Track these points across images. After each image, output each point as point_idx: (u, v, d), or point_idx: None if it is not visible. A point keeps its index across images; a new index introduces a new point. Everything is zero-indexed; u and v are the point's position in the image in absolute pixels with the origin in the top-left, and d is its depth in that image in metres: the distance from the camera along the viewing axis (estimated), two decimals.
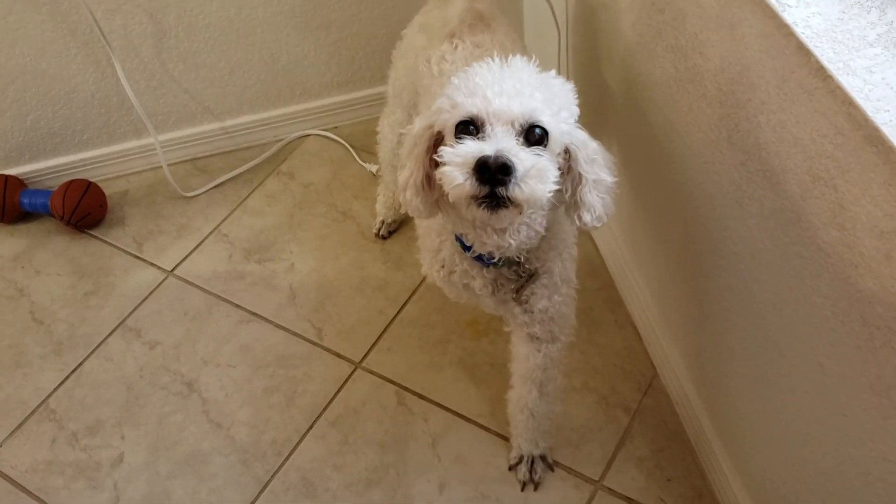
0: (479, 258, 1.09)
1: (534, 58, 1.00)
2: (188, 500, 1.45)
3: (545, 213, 1.05)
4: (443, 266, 1.17)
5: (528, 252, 1.09)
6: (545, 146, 0.93)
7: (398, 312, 1.69)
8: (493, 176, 0.88)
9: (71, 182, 1.88)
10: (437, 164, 0.94)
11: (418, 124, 1.01)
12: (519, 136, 0.92)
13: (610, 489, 1.40)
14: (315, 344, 1.65)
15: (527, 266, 1.11)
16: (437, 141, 1.00)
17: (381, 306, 1.70)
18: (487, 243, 1.04)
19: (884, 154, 0.73)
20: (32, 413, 1.59)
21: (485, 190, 0.89)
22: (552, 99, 0.95)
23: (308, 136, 2.09)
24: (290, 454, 1.49)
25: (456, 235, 1.10)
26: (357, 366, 1.61)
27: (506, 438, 1.46)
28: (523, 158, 0.89)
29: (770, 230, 0.98)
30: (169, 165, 1.93)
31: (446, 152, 0.91)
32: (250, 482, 1.46)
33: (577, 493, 1.40)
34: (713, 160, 1.09)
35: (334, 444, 1.50)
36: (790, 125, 0.88)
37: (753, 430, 1.19)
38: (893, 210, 0.74)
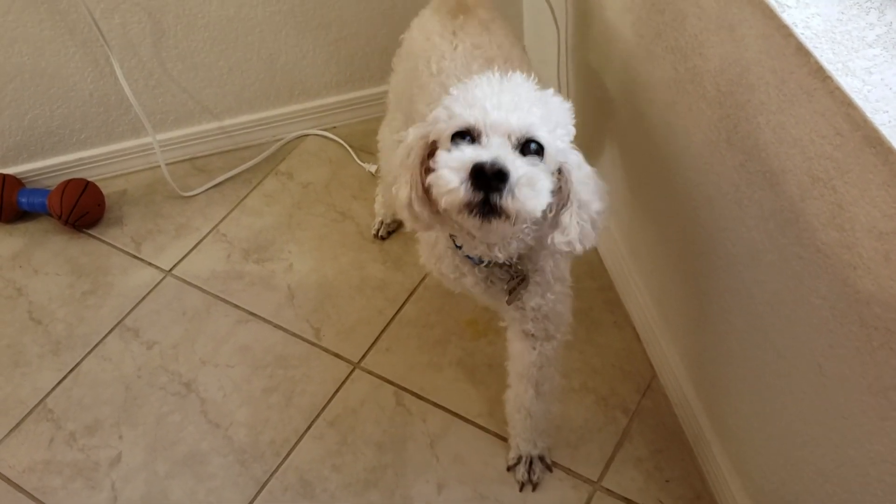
0: (470, 257, 1.10)
1: (532, 75, 1.01)
2: (186, 501, 1.45)
3: (537, 227, 1.05)
4: (438, 259, 1.17)
5: (519, 255, 1.09)
6: (541, 160, 0.94)
7: (397, 313, 1.69)
8: (488, 182, 0.88)
9: (69, 181, 1.88)
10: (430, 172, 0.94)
11: (412, 134, 1.01)
12: (515, 149, 0.92)
13: (608, 490, 1.40)
14: (314, 344, 1.65)
15: (518, 268, 1.11)
16: (431, 152, 0.99)
17: (380, 306, 1.70)
18: (477, 249, 1.05)
19: (883, 155, 0.73)
20: (30, 413, 1.59)
21: (479, 196, 0.88)
22: (549, 116, 0.95)
23: (307, 135, 2.09)
24: (288, 454, 1.49)
25: (449, 233, 1.10)
26: (356, 366, 1.61)
27: (504, 439, 1.45)
28: (519, 167, 0.89)
29: (769, 231, 0.98)
30: (167, 165, 1.93)
31: (442, 156, 0.91)
32: (248, 482, 1.46)
33: (576, 494, 1.40)
34: (712, 161, 1.09)
35: (333, 445, 1.49)
36: (789, 126, 0.88)
37: (752, 431, 1.19)
38: (892, 211, 0.74)
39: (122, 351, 1.67)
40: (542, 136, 0.93)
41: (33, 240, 1.91)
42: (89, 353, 1.68)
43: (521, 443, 1.39)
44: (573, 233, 0.99)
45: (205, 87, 1.96)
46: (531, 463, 1.40)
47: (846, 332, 0.86)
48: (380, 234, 1.81)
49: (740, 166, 1.01)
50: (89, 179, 1.92)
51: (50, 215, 1.91)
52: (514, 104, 0.92)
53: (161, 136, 1.97)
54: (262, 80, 1.99)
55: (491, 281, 1.14)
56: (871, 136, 0.74)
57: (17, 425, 1.57)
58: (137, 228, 1.91)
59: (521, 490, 1.40)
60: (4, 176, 1.91)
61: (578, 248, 1.00)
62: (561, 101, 1.00)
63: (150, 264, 1.83)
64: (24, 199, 1.90)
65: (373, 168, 1.95)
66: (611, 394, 1.52)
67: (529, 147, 0.93)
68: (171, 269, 1.82)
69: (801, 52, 0.82)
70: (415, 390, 1.56)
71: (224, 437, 1.52)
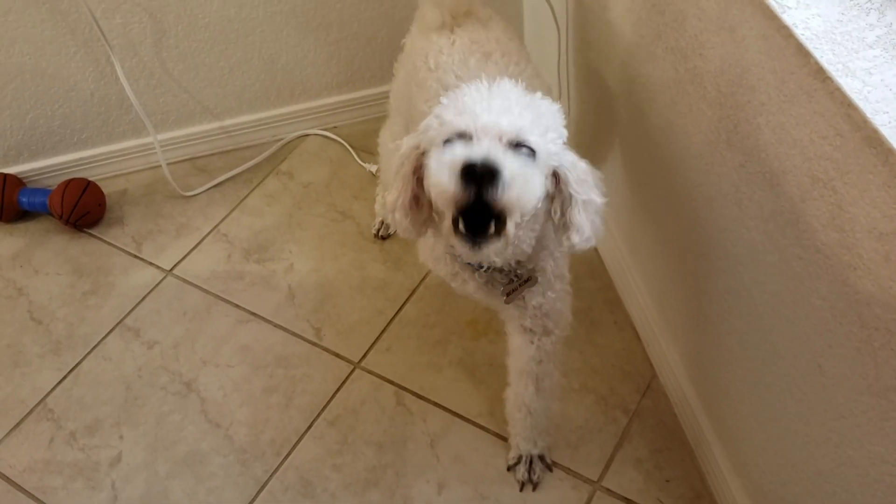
0: (470, 263, 1.10)
1: (521, 81, 1.01)
2: (186, 500, 1.45)
3: (534, 234, 1.05)
4: (437, 261, 1.18)
5: (518, 260, 1.10)
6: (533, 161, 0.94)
7: (397, 313, 1.69)
8: (479, 179, 0.88)
9: (70, 181, 1.88)
10: (423, 183, 0.95)
11: (406, 144, 1.02)
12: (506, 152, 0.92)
13: (608, 490, 1.40)
14: (314, 344, 1.65)
15: (518, 272, 1.11)
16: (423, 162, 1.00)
17: (381, 306, 1.70)
18: (475, 258, 1.05)
19: (883, 155, 0.73)
20: (30, 412, 1.59)
21: (471, 191, 0.88)
22: (539, 120, 0.95)
23: (307, 135, 2.09)
24: (288, 454, 1.49)
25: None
26: (356, 366, 1.61)
27: (504, 439, 1.46)
28: (511, 163, 0.89)
29: (769, 231, 0.98)
30: (168, 165, 1.93)
31: (434, 155, 0.91)
32: (249, 482, 1.46)
33: (576, 494, 1.40)
34: (712, 161, 1.09)
35: (333, 445, 1.49)
36: (789, 127, 0.88)
37: (752, 431, 1.19)
38: (892, 212, 0.74)
39: (123, 351, 1.68)
40: (533, 139, 0.93)
41: (34, 239, 1.91)
42: (90, 352, 1.68)
43: (522, 442, 1.39)
44: (587, 230, 1.00)
45: (205, 86, 1.96)
46: (531, 462, 1.40)
47: (846, 332, 0.86)
48: (380, 234, 1.81)
49: (740, 167, 1.01)
50: (90, 179, 1.93)
51: (51, 215, 1.91)
52: (505, 108, 0.93)
53: (162, 136, 1.97)
54: (262, 80, 1.99)
55: (492, 285, 1.14)
56: (871, 137, 0.74)
57: (18, 425, 1.58)
58: (138, 228, 1.91)
59: (521, 490, 1.40)
60: (5, 175, 1.91)
61: (593, 242, 1.02)
62: (550, 104, 1.00)
63: (150, 264, 1.83)
64: (24, 199, 1.90)
65: (373, 168, 1.95)
66: (611, 394, 1.52)
67: (520, 150, 0.93)
68: (171, 269, 1.82)
69: (802, 52, 0.82)
70: (415, 390, 1.56)
71: (224, 436, 1.52)
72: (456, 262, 1.13)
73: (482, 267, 1.10)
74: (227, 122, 2.04)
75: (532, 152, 0.93)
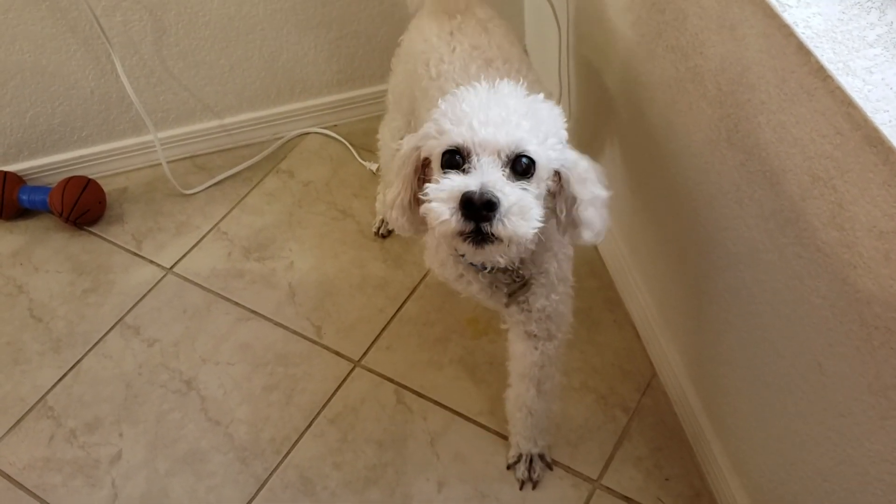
0: (473, 263, 1.10)
1: (523, 73, 1.00)
2: (186, 498, 1.45)
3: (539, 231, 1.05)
4: (442, 264, 1.18)
5: (521, 259, 1.10)
6: (532, 175, 0.94)
7: (397, 311, 1.69)
8: (477, 212, 0.88)
9: (70, 179, 1.88)
10: (424, 183, 0.95)
11: (406, 145, 1.02)
12: (505, 166, 0.92)
13: (608, 488, 1.40)
14: (314, 342, 1.65)
15: (521, 272, 1.11)
16: (426, 161, 1.00)
17: (381, 305, 1.70)
18: (478, 258, 1.05)
19: (883, 154, 0.73)
20: (30, 410, 1.59)
21: (470, 226, 0.89)
22: (539, 126, 0.95)
23: (308, 133, 2.09)
24: (288, 452, 1.49)
25: None
26: (356, 364, 1.61)
27: (505, 437, 1.46)
28: (508, 193, 0.89)
29: (769, 230, 0.98)
30: (168, 163, 1.93)
31: (431, 188, 0.91)
32: (249, 480, 1.46)
33: (576, 492, 1.40)
34: (713, 160, 1.09)
35: (333, 443, 1.50)
36: (790, 125, 0.88)
37: (752, 429, 1.19)
38: (892, 210, 0.74)
39: (123, 348, 1.68)
40: (533, 150, 0.93)
41: (34, 237, 1.91)
42: (90, 350, 1.68)
43: (522, 441, 1.39)
44: (598, 225, 1.01)
45: (206, 84, 1.96)
46: (531, 461, 1.40)
47: (846, 331, 0.86)
48: (380, 232, 1.81)
49: (741, 165, 1.01)
50: (90, 177, 1.93)
51: (51, 213, 1.91)
52: (502, 118, 0.92)
53: (162, 134, 1.97)
54: (263, 78, 1.99)
55: (496, 286, 1.15)
56: (871, 136, 0.74)
57: (18, 423, 1.58)
58: (138, 226, 1.91)
59: (521, 488, 1.41)
60: (5, 173, 1.91)
61: (603, 236, 1.02)
62: (550, 107, 0.99)
63: (150, 262, 1.83)
64: (25, 197, 1.90)
65: (373, 166, 1.95)
66: (611, 392, 1.52)
67: (520, 162, 0.93)
68: (171, 267, 1.82)
69: (802, 51, 0.82)
70: (415, 388, 1.56)
71: (224, 434, 1.53)
72: (460, 264, 1.13)
73: (486, 268, 1.10)
74: (228, 120, 2.04)
75: (532, 161, 0.93)
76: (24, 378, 1.64)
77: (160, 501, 1.45)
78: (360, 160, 1.99)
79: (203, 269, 1.81)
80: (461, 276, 1.15)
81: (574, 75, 1.66)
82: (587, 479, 1.41)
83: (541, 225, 0.94)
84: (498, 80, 0.99)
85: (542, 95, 1.00)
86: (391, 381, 1.58)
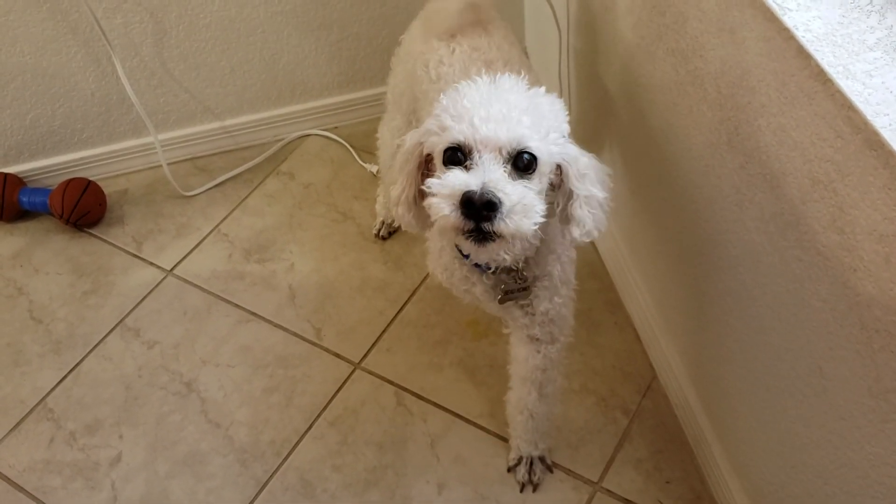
0: (478, 265, 1.10)
1: (523, 74, 1.00)
2: (186, 500, 1.45)
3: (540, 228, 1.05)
4: (445, 269, 1.18)
5: (525, 259, 1.10)
6: (534, 171, 0.94)
7: (398, 313, 1.69)
8: (478, 211, 0.88)
9: (70, 180, 1.88)
10: (428, 178, 0.95)
11: (409, 141, 1.02)
12: (507, 162, 0.92)
13: (609, 491, 1.40)
14: (314, 344, 1.65)
15: (524, 273, 1.11)
16: (429, 157, 1.00)
17: (381, 307, 1.70)
18: (482, 256, 1.05)
19: (883, 158, 0.73)
20: (30, 412, 1.59)
21: (470, 224, 0.90)
22: (540, 121, 0.95)
23: (308, 135, 2.09)
24: (288, 454, 1.49)
25: (454, 243, 1.10)
26: (356, 366, 1.61)
27: (505, 439, 1.46)
28: (509, 193, 0.90)
29: (769, 233, 0.98)
30: (169, 164, 1.93)
31: (433, 184, 0.92)
32: (249, 482, 1.46)
33: (576, 495, 1.40)
34: (713, 163, 1.09)
35: (333, 445, 1.50)
36: (790, 128, 0.88)
37: (752, 432, 1.19)
38: (893, 214, 0.74)
39: (123, 350, 1.68)
40: (534, 146, 0.93)
41: (34, 239, 1.91)
42: (90, 352, 1.68)
43: (522, 444, 1.39)
44: (589, 223, 1.00)
45: (206, 86, 1.96)
46: (532, 464, 1.40)
47: (846, 334, 0.86)
48: (381, 234, 1.81)
49: (741, 168, 1.01)
50: (90, 179, 1.93)
51: (51, 214, 1.91)
52: (503, 115, 0.92)
53: (162, 136, 1.97)
54: (263, 80, 1.99)
55: (500, 288, 1.14)
56: (871, 140, 0.74)
57: (18, 425, 1.58)
58: (138, 228, 1.91)
59: (521, 491, 1.40)
60: (6, 175, 1.91)
61: (595, 234, 1.02)
62: (552, 101, 0.99)
63: (151, 264, 1.83)
64: (25, 199, 1.90)
65: (374, 168, 1.95)
66: (611, 395, 1.52)
67: (522, 158, 0.93)
68: (172, 269, 1.82)
69: (802, 54, 0.82)
70: (415, 391, 1.56)
71: (224, 436, 1.52)
72: (464, 266, 1.13)
73: (490, 268, 1.10)
74: (228, 122, 2.04)
75: (533, 158, 0.93)
76: (24, 380, 1.64)
77: (160, 503, 1.45)
78: (360, 162, 1.99)
79: (203, 270, 1.81)
80: (465, 277, 1.15)
81: (574, 77, 1.66)
82: (588, 481, 1.41)
83: (543, 220, 0.94)
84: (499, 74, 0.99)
85: (543, 89, 1.00)
86: (391, 383, 1.58)
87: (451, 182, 0.90)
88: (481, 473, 1.44)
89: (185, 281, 1.79)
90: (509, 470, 1.43)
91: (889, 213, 0.75)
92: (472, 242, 0.92)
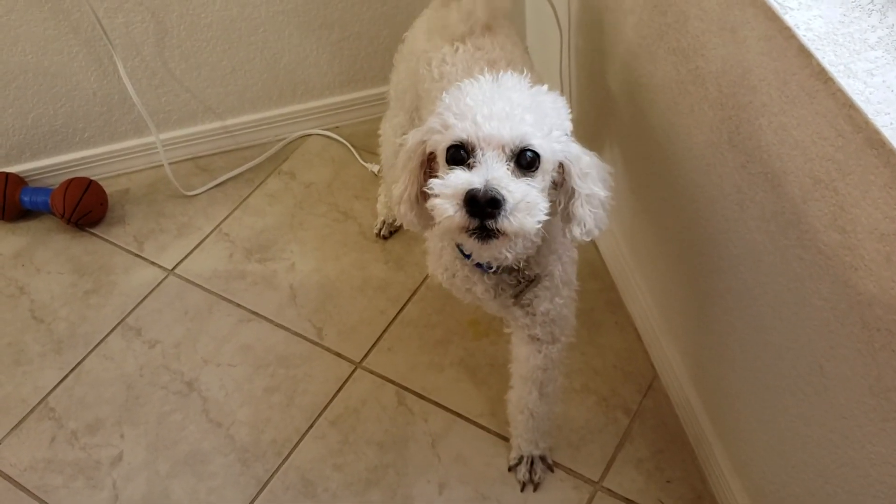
0: (479, 265, 1.10)
1: (525, 72, 1.00)
2: (187, 500, 1.45)
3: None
4: (446, 269, 1.18)
5: (527, 258, 1.10)
6: (537, 169, 0.94)
7: (399, 312, 1.69)
8: (482, 209, 0.88)
9: (72, 180, 1.88)
10: (431, 177, 0.95)
11: (412, 139, 1.02)
12: (510, 160, 0.93)
13: (609, 490, 1.40)
14: (315, 344, 1.65)
15: (526, 272, 1.12)
16: (432, 155, 1.00)
17: (382, 306, 1.70)
18: (484, 255, 1.05)
19: (884, 157, 0.73)
20: (32, 411, 1.59)
21: (475, 222, 0.90)
22: (543, 119, 0.95)
23: (309, 135, 2.09)
24: (289, 454, 1.49)
25: (456, 242, 1.10)
26: (357, 366, 1.61)
27: (506, 439, 1.46)
28: (513, 190, 0.90)
29: (771, 232, 0.98)
30: (170, 164, 1.94)
31: (436, 184, 0.92)
32: (250, 482, 1.46)
33: (577, 494, 1.40)
34: (714, 162, 1.09)
35: (334, 444, 1.50)
36: (791, 127, 0.88)
37: (753, 431, 1.19)
38: (894, 212, 0.74)
39: (124, 350, 1.68)
40: (537, 143, 0.93)
41: (36, 238, 1.91)
42: (91, 351, 1.68)
43: (523, 443, 1.39)
44: (589, 222, 1.00)
45: (208, 86, 1.96)
46: (532, 463, 1.40)
47: (847, 333, 0.86)
48: (382, 233, 1.82)
49: (742, 167, 1.01)
50: (92, 178, 1.93)
51: (53, 214, 1.91)
52: (506, 113, 0.92)
53: (164, 136, 1.97)
54: (265, 79, 1.99)
55: (501, 288, 1.15)
56: (872, 138, 0.74)
57: (19, 424, 1.58)
58: (140, 227, 1.91)
59: (522, 490, 1.40)
60: (7, 174, 1.91)
61: (596, 233, 1.02)
62: (554, 98, 0.99)
63: (152, 263, 1.84)
64: (26, 198, 1.91)
65: (375, 168, 1.95)
66: (612, 394, 1.52)
67: (525, 155, 0.93)
68: (173, 269, 1.82)
69: (803, 53, 0.82)
70: (416, 390, 1.56)
71: (226, 436, 1.53)
72: (466, 266, 1.14)
73: (491, 268, 1.10)
74: (229, 121, 2.04)
75: (536, 155, 0.93)
76: (25, 379, 1.64)
77: (161, 503, 1.45)
78: (361, 162, 1.99)
79: (204, 270, 1.81)
80: (466, 277, 1.15)
81: (575, 77, 1.67)
82: (588, 480, 1.41)
83: (546, 218, 0.94)
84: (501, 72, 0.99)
85: (545, 87, 1.00)
86: (392, 382, 1.58)
87: (453, 182, 0.90)
88: (482, 473, 1.44)
89: (187, 280, 1.79)
90: (510, 469, 1.43)
91: (890, 212, 0.75)
92: (476, 240, 0.92)
